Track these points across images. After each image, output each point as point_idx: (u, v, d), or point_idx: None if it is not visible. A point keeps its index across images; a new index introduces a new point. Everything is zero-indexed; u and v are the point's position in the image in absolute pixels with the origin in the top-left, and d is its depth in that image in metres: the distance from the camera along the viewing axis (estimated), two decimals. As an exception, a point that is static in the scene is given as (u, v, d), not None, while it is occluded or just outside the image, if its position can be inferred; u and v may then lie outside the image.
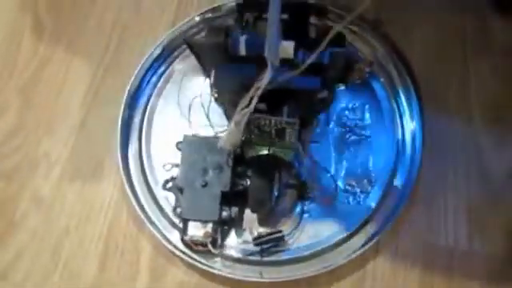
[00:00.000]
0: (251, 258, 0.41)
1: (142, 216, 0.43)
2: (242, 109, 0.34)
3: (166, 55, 0.48)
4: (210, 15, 0.49)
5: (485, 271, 0.42)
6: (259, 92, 0.33)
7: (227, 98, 0.40)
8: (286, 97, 0.38)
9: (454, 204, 0.43)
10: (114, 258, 0.43)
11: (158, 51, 0.48)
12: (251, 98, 0.34)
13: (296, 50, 0.35)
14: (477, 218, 0.43)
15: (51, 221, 0.45)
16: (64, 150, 0.47)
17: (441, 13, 0.50)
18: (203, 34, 0.48)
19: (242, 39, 0.36)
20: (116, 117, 0.47)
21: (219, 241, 0.41)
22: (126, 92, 0.47)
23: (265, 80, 0.32)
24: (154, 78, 0.48)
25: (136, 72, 0.48)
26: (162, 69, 0.48)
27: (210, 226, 0.40)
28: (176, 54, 0.49)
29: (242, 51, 0.36)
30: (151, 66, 0.48)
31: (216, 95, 0.43)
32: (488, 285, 0.41)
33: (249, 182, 0.41)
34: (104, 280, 0.43)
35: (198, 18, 0.49)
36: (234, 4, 0.48)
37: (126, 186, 0.44)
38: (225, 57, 0.37)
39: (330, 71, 0.37)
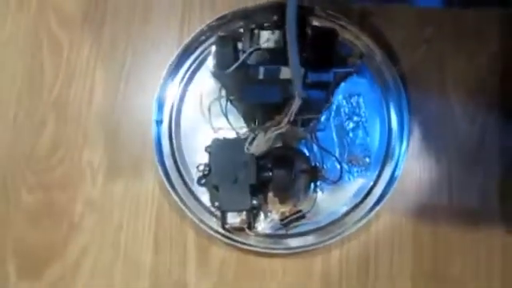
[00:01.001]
0: (278, 232, 0.51)
1: (184, 208, 0.51)
2: (273, 129, 0.42)
3: (181, 64, 0.54)
4: (214, 23, 0.54)
5: (462, 222, 0.52)
6: (290, 117, 0.41)
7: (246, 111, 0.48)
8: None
9: (437, 170, 0.53)
10: (165, 243, 0.53)
11: (174, 62, 0.54)
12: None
13: (306, 73, 0.42)
14: (453, 181, 0.53)
15: (105, 219, 0.54)
16: (104, 157, 0.55)
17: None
18: (211, 40, 0.55)
19: (262, 68, 0.42)
20: (146, 121, 0.54)
21: (252, 223, 0.50)
22: (154, 100, 0.54)
23: (294, 108, 0.40)
24: (175, 87, 0.54)
25: (159, 82, 0.54)
26: (180, 78, 0.54)
27: (244, 214, 0.49)
28: (191, 61, 0.54)
29: (261, 76, 0.43)
30: (171, 74, 0.54)
31: (232, 99, 0.51)
32: (465, 233, 0.52)
33: (270, 173, 0.50)
34: (160, 262, 0.52)
35: (204, 27, 0.54)
36: (236, 11, 0.54)
37: (166, 184, 0.52)
38: (245, 79, 0.44)
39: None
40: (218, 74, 0.45)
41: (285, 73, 0.42)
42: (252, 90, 0.44)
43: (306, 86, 0.43)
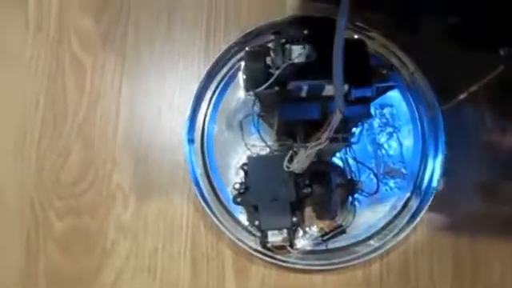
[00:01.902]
0: (318, 248, 0.51)
1: (222, 227, 0.51)
2: (313, 145, 0.42)
3: (212, 79, 0.54)
4: (240, 39, 0.54)
5: (499, 231, 0.52)
6: (331, 133, 0.40)
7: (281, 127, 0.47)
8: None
9: (473, 180, 0.53)
10: (202, 265, 0.52)
11: (203, 81, 0.53)
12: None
13: (349, 90, 0.42)
14: (489, 189, 0.52)
15: (140, 243, 0.52)
16: (135, 179, 0.54)
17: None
18: (239, 56, 0.54)
19: (305, 87, 0.42)
20: (175, 142, 0.53)
21: (293, 240, 0.50)
22: (185, 119, 0.53)
23: (335, 124, 0.39)
24: (205, 106, 0.53)
25: (190, 101, 0.53)
26: (209, 95, 0.54)
27: (285, 232, 0.49)
28: (220, 77, 0.54)
29: (304, 94, 0.43)
30: (200, 94, 0.53)
31: (263, 114, 0.50)
32: (503, 241, 0.52)
33: (310, 189, 0.49)
34: (198, 285, 0.52)
35: (233, 44, 0.54)
36: (263, 26, 0.53)
37: (202, 203, 0.51)
38: (286, 98, 0.44)
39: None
40: (259, 92, 0.44)
41: (328, 89, 0.42)
42: (291, 107, 0.43)
43: (348, 102, 0.42)
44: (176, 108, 0.55)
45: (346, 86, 0.41)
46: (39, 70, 0.56)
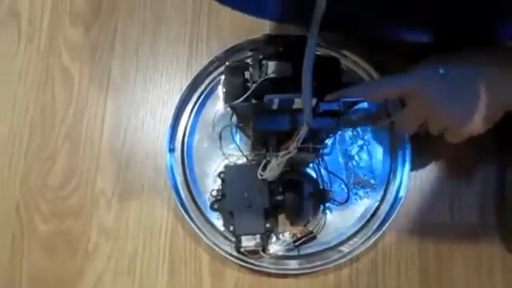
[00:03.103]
0: (290, 253, 0.53)
1: (199, 233, 0.53)
2: (285, 154, 0.45)
3: (193, 91, 0.56)
4: (222, 54, 0.57)
5: (464, 238, 0.55)
6: (298, 143, 0.43)
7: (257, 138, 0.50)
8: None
9: (439, 189, 0.56)
10: (180, 268, 0.54)
11: (185, 93, 0.56)
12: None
13: (317, 103, 0.45)
14: (456, 198, 0.56)
15: (120, 246, 0.55)
16: (117, 185, 0.56)
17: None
18: (219, 70, 0.57)
19: (276, 100, 0.45)
20: (156, 150, 0.56)
21: (266, 245, 0.52)
22: (167, 129, 0.55)
23: (302, 135, 0.42)
24: (186, 116, 0.56)
25: (172, 112, 0.56)
26: (190, 107, 0.56)
27: (258, 237, 0.51)
28: (199, 92, 0.57)
29: (275, 107, 0.46)
30: (181, 105, 0.56)
31: (241, 126, 0.53)
32: (467, 248, 0.55)
33: (282, 197, 0.52)
34: (175, 286, 0.54)
35: (214, 59, 0.57)
36: (244, 42, 0.56)
37: (181, 210, 0.53)
38: (260, 110, 0.47)
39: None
40: (235, 104, 0.47)
41: (298, 103, 0.45)
42: (264, 120, 0.47)
43: (317, 114, 0.45)
44: (159, 118, 0.57)
45: (314, 100, 0.44)
46: (29, 79, 0.59)
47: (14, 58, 0.59)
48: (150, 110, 0.58)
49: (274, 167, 0.47)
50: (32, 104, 0.58)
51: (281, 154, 0.45)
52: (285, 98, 0.45)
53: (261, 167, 0.49)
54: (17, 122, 0.58)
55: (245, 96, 0.49)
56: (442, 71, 0.44)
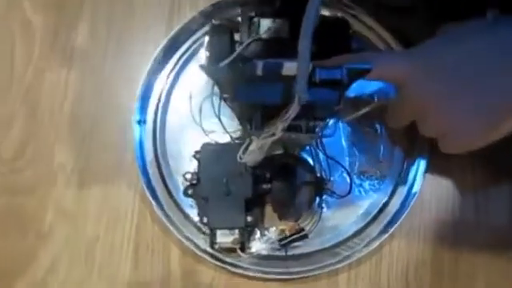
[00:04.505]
0: (276, 253, 0.44)
1: (167, 223, 0.44)
2: (267, 136, 0.35)
3: (169, 57, 0.47)
4: (208, 9, 0.47)
5: (489, 243, 0.45)
6: (286, 123, 0.34)
7: (243, 112, 0.41)
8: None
9: (461, 184, 0.46)
10: (146, 258, 0.46)
11: (160, 54, 0.47)
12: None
13: (314, 70, 0.35)
14: (482, 196, 0.46)
15: (79, 229, 0.47)
16: (79, 159, 0.48)
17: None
18: (203, 30, 0.47)
19: (260, 63, 0.35)
20: (127, 122, 0.47)
21: (246, 243, 0.43)
22: (136, 96, 0.47)
23: (292, 113, 0.33)
24: (161, 82, 0.47)
25: (143, 76, 0.47)
26: (167, 72, 0.47)
27: (237, 232, 0.42)
28: (178, 55, 0.47)
29: (259, 72, 0.36)
30: (156, 69, 0.47)
31: (226, 97, 0.44)
32: (492, 254, 0.45)
33: (269, 185, 0.43)
34: (139, 279, 0.46)
35: (196, 15, 0.47)
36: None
37: (148, 194, 0.45)
38: (241, 75, 0.37)
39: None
40: (210, 68, 0.38)
41: (288, 68, 0.35)
42: (248, 89, 0.37)
43: (314, 85, 0.36)
44: (131, 84, 0.48)
45: (310, 65, 0.35)
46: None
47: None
48: (121, 74, 0.49)
49: (255, 151, 0.37)
50: (-13, 60, 0.50)
51: (263, 134, 0.36)
52: (271, 61, 0.35)
53: (242, 149, 0.40)
54: (-32, 80, 0.50)
55: (228, 60, 0.40)
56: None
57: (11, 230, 0.47)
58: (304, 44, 0.32)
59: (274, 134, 0.35)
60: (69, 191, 0.47)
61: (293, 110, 0.33)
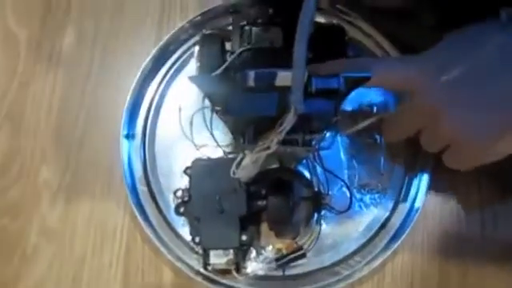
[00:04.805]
0: (273, 273, 0.42)
1: (158, 244, 0.42)
2: (261, 150, 0.33)
3: (158, 68, 0.45)
4: (198, 18, 0.45)
5: (497, 259, 0.43)
6: (281, 136, 0.32)
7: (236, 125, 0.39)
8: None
9: (467, 198, 0.44)
10: (136, 280, 0.44)
11: (149, 65, 0.45)
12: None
13: (309, 79, 0.33)
14: (488, 212, 0.44)
15: (65, 251, 0.44)
16: (65, 176, 0.46)
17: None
18: (194, 40, 0.46)
19: (252, 74, 0.33)
20: (115, 136, 0.45)
21: (241, 263, 0.41)
22: (124, 109, 0.45)
23: (288, 125, 0.31)
24: (150, 95, 0.45)
25: (131, 88, 0.45)
26: (156, 83, 0.45)
27: (231, 253, 0.40)
28: (168, 65, 0.45)
29: (251, 83, 0.34)
30: (144, 80, 0.45)
31: (218, 110, 0.42)
32: (502, 269, 0.43)
33: (264, 202, 0.41)
34: (129, 301, 0.43)
35: (186, 24, 0.45)
36: (224, 5, 0.45)
37: (137, 213, 0.43)
38: (232, 86, 0.35)
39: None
40: (200, 80, 0.36)
41: (282, 78, 0.33)
42: (240, 101, 0.35)
43: (310, 95, 0.33)
44: (119, 96, 0.46)
45: (306, 74, 0.32)
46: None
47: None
48: (108, 86, 0.47)
49: (249, 165, 0.35)
50: (-32, 74, 0.48)
51: (256, 148, 0.33)
52: (264, 71, 0.33)
53: (235, 163, 0.37)
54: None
55: (219, 70, 0.38)
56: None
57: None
58: (299, 51, 0.30)
59: (268, 148, 0.33)
60: (54, 210, 0.45)
61: (288, 122, 0.31)
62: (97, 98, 0.47)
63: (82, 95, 0.47)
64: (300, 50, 0.30)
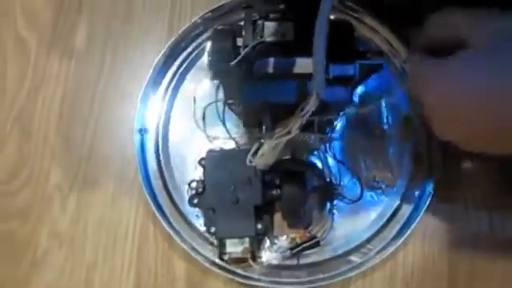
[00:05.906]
0: (287, 262, 0.42)
1: (173, 235, 0.42)
2: (282, 135, 0.34)
3: (170, 63, 0.46)
4: (209, 14, 0.46)
5: (504, 251, 0.44)
6: (304, 120, 0.32)
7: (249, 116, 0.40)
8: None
9: (473, 189, 0.45)
10: (149, 281, 0.43)
11: (161, 61, 0.46)
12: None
13: (327, 66, 0.34)
14: (496, 204, 0.45)
15: (76, 255, 0.44)
16: (76, 180, 0.45)
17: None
18: (205, 35, 0.47)
19: (271, 61, 0.34)
20: (126, 137, 0.45)
21: (256, 252, 0.41)
22: (136, 108, 0.45)
23: (308, 112, 0.32)
24: (162, 91, 0.46)
25: (143, 86, 0.45)
26: (168, 79, 0.46)
27: (247, 241, 0.40)
28: (179, 61, 0.46)
29: (270, 70, 0.35)
30: (156, 78, 0.45)
31: (231, 103, 0.43)
32: (507, 264, 0.44)
33: (279, 191, 0.41)
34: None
35: (198, 20, 0.46)
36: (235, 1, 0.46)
37: (152, 205, 0.43)
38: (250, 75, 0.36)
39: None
40: (216, 71, 0.37)
41: (301, 65, 0.34)
42: (256, 88, 0.36)
43: (327, 81, 0.34)
44: (132, 94, 0.47)
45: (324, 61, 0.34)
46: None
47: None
48: (120, 85, 0.48)
49: (267, 152, 0.36)
50: (-22, 79, 0.48)
51: (277, 133, 0.34)
52: (283, 59, 0.34)
53: (252, 151, 0.38)
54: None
55: (233, 63, 0.39)
56: None
57: (3, 257, 0.44)
58: (319, 38, 0.31)
59: (289, 133, 0.33)
60: (65, 214, 0.45)
61: (310, 106, 0.32)
62: (108, 99, 0.47)
63: (93, 98, 0.47)
64: (320, 37, 0.31)
